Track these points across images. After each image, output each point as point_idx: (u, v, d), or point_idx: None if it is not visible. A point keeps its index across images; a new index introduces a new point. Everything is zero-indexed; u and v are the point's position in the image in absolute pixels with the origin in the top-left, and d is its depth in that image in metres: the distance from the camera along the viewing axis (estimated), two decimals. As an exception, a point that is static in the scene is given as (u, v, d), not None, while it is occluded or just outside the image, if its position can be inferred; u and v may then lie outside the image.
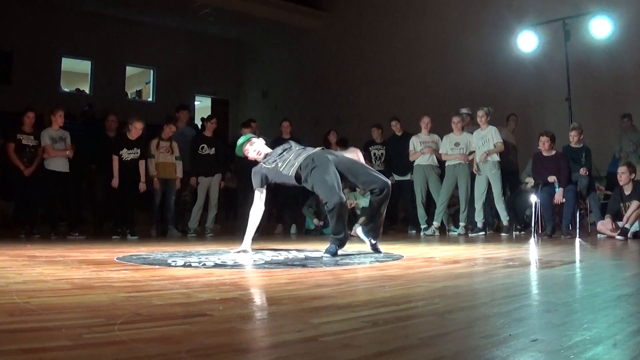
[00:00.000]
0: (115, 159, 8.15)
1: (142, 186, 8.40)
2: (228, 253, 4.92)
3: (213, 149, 9.08)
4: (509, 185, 9.48)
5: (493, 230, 8.53)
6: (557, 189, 7.86)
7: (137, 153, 8.32)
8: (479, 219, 8.65)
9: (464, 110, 9.32)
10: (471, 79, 12.43)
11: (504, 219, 8.48)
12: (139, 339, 1.66)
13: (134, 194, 8.38)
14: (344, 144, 9.39)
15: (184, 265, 3.88)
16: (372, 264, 4.16)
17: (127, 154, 8.25)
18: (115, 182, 8.09)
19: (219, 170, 9.05)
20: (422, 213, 9.21)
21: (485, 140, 8.62)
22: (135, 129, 8.28)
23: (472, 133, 8.93)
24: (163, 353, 1.54)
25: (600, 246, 6.41)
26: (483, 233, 8.52)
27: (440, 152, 9.09)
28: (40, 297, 2.50)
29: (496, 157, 8.57)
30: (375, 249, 4.91)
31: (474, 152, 8.80)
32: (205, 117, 10.36)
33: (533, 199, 7.72)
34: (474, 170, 8.71)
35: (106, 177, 8.40)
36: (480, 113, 8.73)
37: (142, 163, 8.39)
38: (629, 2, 9.97)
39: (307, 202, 9.36)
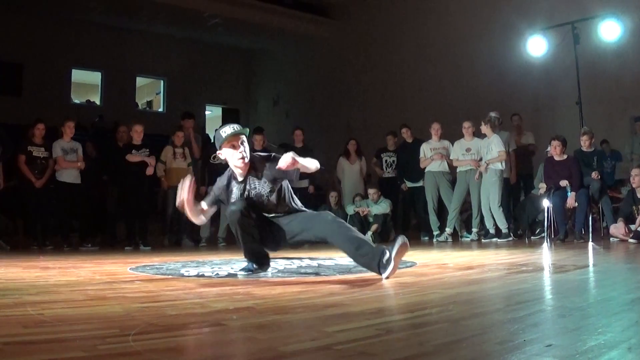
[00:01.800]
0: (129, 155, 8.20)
1: (150, 170, 8.32)
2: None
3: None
4: (524, 190, 9.46)
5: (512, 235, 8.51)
6: (569, 193, 7.82)
7: (146, 152, 8.34)
8: (489, 225, 8.61)
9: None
10: (481, 84, 12.41)
11: (502, 226, 8.46)
12: (153, 349, 1.67)
13: (146, 201, 8.38)
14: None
15: (197, 275, 3.89)
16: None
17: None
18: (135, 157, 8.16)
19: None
20: (434, 219, 9.18)
21: (489, 149, 8.59)
22: (137, 132, 8.30)
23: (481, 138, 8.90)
24: (178, 363, 1.54)
25: (613, 250, 6.37)
26: (496, 239, 8.48)
27: (451, 158, 9.04)
28: (54, 308, 2.52)
29: (498, 166, 8.53)
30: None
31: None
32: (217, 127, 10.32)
33: (545, 203, 7.68)
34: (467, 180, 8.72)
35: (118, 187, 8.42)
36: (483, 122, 8.70)
37: (152, 157, 8.37)
38: (638, 5, 9.93)
39: (319, 209, 9.32)
